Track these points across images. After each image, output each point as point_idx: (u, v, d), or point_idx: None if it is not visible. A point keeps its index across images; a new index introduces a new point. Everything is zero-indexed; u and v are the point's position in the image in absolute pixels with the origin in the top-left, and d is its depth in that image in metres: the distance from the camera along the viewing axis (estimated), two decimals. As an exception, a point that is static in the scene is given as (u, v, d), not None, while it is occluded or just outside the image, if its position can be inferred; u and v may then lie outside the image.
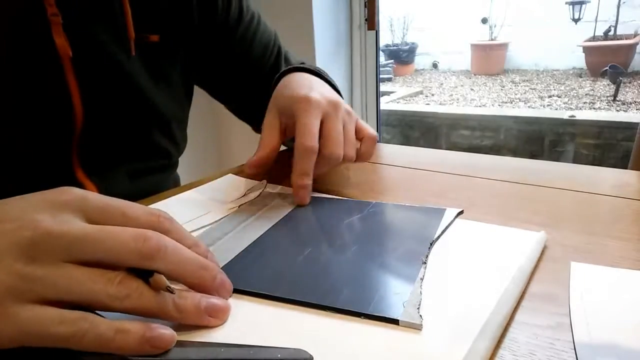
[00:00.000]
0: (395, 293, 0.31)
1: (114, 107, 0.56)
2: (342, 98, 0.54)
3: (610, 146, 2.90)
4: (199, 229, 0.42)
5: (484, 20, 5.10)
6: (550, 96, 3.99)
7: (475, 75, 4.98)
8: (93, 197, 0.28)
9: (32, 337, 0.24)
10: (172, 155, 0.66)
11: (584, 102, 3.71)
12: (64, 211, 0.26)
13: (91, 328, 0.24)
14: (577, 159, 2.96)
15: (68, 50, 0.50)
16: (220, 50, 0.65)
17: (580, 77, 4.44)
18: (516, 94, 4.17)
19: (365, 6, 1.69)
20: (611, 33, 4.35)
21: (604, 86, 4.03)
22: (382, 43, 2.27)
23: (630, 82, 4.00)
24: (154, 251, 0.27)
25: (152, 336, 0.25)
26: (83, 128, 0.54)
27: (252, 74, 0.69)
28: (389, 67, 5.18)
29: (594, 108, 3.56)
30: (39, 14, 0.48)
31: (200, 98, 0.76)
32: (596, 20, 4.44)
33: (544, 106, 3.77)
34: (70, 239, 0.25)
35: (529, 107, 3.81)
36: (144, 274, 0.27)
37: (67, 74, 0.51)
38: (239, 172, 0.58)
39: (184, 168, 0.74)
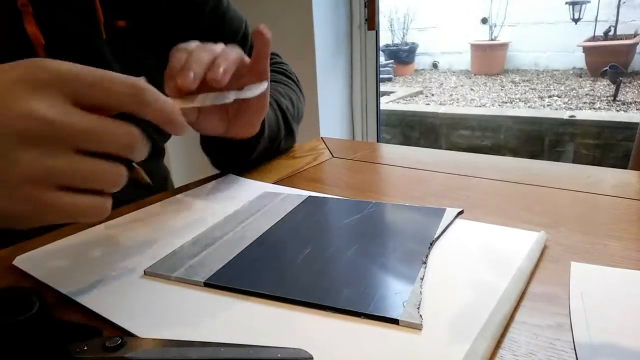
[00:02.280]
0: (395, 293, 0.31)
1: None
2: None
3: (610, 146, 2.90)
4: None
5: (484, 20, 5.09)
6: (550, 96, 3.98)
7: (475, 75, 4.97)
8: (70, 74, 0.28)
9: (71, 219, 0.29)
10: (154, 139, 0.67)
11: (584, 102, 3.71)
12: (51, 93, 0.27)
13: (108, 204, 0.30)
14: (577, 159, 2.96)
15: (40, 38, 0.51)
16: (187, 35, 0.66)
17: (580, 77, 4.43)
18: (516, 94, 4.16)
19: (365, 6, 1.69)
20: (611, 33, 4.34)
21: (604, 86, 4.02)
22: (382, 43, 2.28)
23: (630, 82, 3.99)
24: (135, 148, 0.30)
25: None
26: None
27: None
28: (389, 67, 5.17)
29: (594, 108, 3.55)
30: (9, 4, 0.50)
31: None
32: (596, 20, 4.43)
33: (544, 106, 3.76)
34: (74, 133, 0.27)
35: (529, 107, 3.81)
36: (128, 163, 0.31)
37: None
38: (240, 172, 0.58)
39: (184, 168, 0.74)
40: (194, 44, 0.45)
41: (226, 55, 0.43)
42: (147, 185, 0.34)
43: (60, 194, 0.28)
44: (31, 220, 0.28)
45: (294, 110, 0.66)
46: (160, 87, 0.71)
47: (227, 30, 0.69)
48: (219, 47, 0.45)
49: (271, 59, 0.75)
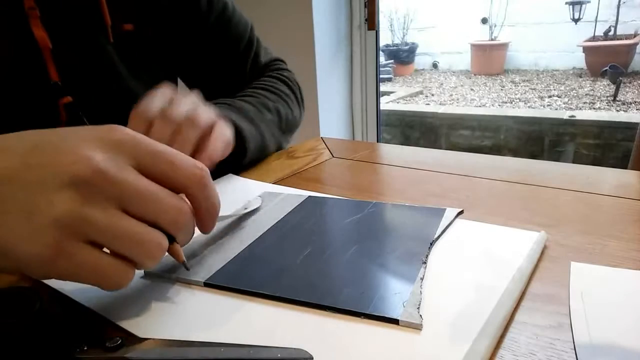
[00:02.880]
0: (395, 293, 0.31)
1: (95, 96, 0.57)
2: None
3: (610, 146, 2.90)
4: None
5: (484, 20, 5.10)
6: (550, 96, 3.98)
7: (475, 75, 4.97)
8: (144, 141, 0.29)
9: (86, 279, 0.26)
10: None
11: (584, 102, 3.71)
12: (116, 152, 0.27)
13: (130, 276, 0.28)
14: (577, 159, 2.96)
15: (47, 41, 0.51)
16: (192, 40, 0.66)
17: (580, 77, 4.43)
18: (516, 94, 4.16)
19: (365, 6, 1.70)
20: (611, 33, 4.34)
21: (604, 86, 4.02)
22: (382, 43, 2.27)
23: (630, 82, 3.99)
24: (183, 226, 0.29)
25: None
26: (68, 120, 0.55)
27: (224, 64, 0.69)
28: (389, 67, 5.17)
29: (594, 108, 3.55)
30: (16, 7, 0.49)
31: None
32: (596, 20, 4.43)
33: (544, 106, 3.77)
34: (123, 189, 0.26)
35: (529, 107, 3.81)
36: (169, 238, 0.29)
37: (48, 66, 0.52)
38: (240, 172, 0.58)
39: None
40: (155, 109, 0.41)
41: (186, 136, 0.41)
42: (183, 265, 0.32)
43: (86, 248, 0.26)
44: (43, 268, 0.26)
45: (281, 123, 0.66)
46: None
47: (233, 34, 0.69)
48: (182, 113, 0.41)
49: (274, 64, 0.75)
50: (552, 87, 4.27)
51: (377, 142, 1.85)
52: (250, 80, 0.71)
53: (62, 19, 0.53)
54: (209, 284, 0.33)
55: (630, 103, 3.57)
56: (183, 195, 0.30)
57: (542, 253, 0.35)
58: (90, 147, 0.26)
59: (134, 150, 0.28)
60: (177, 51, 0.66)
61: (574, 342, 0.26)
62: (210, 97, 0.71)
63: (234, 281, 0.33)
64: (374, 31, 1.71)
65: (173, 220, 0.28)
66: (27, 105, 0.53)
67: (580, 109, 3.56)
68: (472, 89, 4.46)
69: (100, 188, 0.26)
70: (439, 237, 0.38)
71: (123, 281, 0.27)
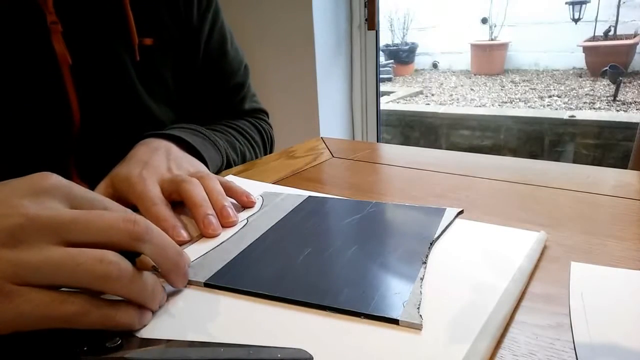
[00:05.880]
0: (395, 293, 0.31)
1: (110, 112, 0.56)
2: (208, 168, 0.53)
3: (610, 146, 2.90)
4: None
5: (484, 20, 5.09)
6: (550, 96, 3.98)
7: (475, 75, 4.96)
8: (76, 186, 0.29)
9: (30, 320, 0.24)
10: None
11: (584, 102, 3.71)
12: (47, 197, 0.27)
13: (94, 307, 0.25)
14: (577, 159, 2.95)
15: (67, 58, 0.50)
16: (187, 61, 0.65)
17: (580, 77, 4.43)
18: (516, 94, 4.16)
19: (365, 6, 1.70)
20: (611, 33, 4.34)
21: (604, 86, 4.02)
22: (382, 43, 2.27)
23: (630, 82, 3.99)
24: (143, 233, 0.27)
25: (142, 314, 0.28)
26: (80, 133, 0.54)
27: (208, 96, 0.69)
28: (389, 67, 5.17)
29: (594, 108, 3.55)
30: (38, 21, 0.49)
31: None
32: (596, 20, 4.43)
33: (544, 106, 3.76)
34: (58, 222, 0.26)
35: (529, 107, 3.81)
36: (128, 257, 0.27)
37: (65, 81, 0.52)
38: (239, 172, 0.58)
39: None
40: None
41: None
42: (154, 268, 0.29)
43: (25, 289, 0.24)
44: None
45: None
46: (177, 106, 0.69)
47: (225, 70, 0.68)
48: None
49: (256, 113, 0.74)
50: (552, 87, 4.26)
51: (377, 142, 1.85)
52: (227, 118, 0.70)
53: (85, 35, 0.52)
54: (209, 284, 0.33)
55: (630, 103, 3.57)
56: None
57: (542, 253, 0.35)
58: (20, 197, 0.26)
59: (66, 193, 0.28)
60: (186, 67, 0.65)
61: (574, 342, 0.26)
62: (187, 120, 0.68)
63: (234, 281, 0.33)
64: (374, 31, 1.71)
65: (125, 231, 0.27)
66: (41, 118, 0.53)
67: (580, 109, 3.56)
68: (472, 89, 4.46)
69: (36, 231, 0.25)
70: (439, 237, 0.38)
71: (70, 308, 0.25)
